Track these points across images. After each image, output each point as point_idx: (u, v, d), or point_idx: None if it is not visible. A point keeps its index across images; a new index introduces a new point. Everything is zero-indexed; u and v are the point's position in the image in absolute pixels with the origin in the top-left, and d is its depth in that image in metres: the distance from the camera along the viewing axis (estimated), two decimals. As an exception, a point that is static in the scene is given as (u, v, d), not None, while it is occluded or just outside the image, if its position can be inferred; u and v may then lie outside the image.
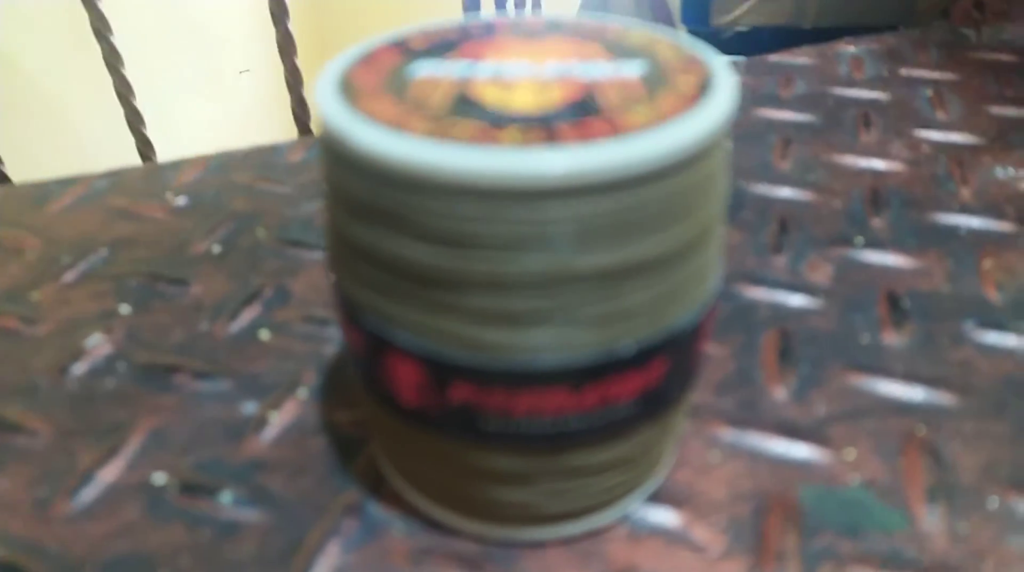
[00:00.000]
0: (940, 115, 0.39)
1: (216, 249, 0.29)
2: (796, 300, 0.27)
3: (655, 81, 0.15)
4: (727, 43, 0.58)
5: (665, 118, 0.14)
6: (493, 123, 0.14)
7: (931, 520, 0.19)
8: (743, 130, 0.38)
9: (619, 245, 0.14)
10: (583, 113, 0.14)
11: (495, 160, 0.13)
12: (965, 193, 0.33)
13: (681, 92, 0.15)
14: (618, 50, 0.17)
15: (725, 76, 0.16)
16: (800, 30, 0.56)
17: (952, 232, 0.30)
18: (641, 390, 0.16)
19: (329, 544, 0.19)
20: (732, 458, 0.21)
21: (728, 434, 0.21)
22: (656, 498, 0.19)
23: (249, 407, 0.22)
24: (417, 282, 0.15)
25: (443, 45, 0.17)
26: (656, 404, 0.17)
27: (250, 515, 0.19)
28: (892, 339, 0.25)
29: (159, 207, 0.32)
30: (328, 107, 0.15)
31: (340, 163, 0.15)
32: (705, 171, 0.15)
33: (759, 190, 0.33)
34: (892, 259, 0.29)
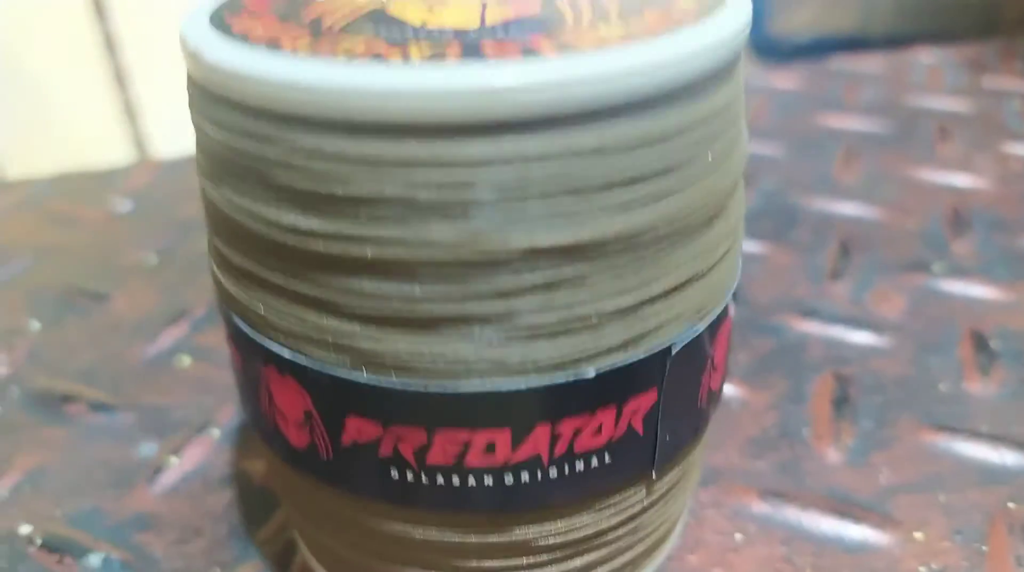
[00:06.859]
0: (1036, 127, 0.35)
1: (151, 260, 0.26)
2: (858, 337, 0.22)
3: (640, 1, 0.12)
4: (784, 56, 0.54)
5: (649, 33, 0.10)
6: (394, 40, 0.11)
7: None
8: (798, 138, 0.34)
9: (575, 215, 0.10)
10: (524, 29, 0.11)
11: (378, 79, 0.09)
12: (1073, 215, 0.28)
13: (673, 10, 0.11)
14: None
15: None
16: (869, 41, 0.52)
17: (1057, 261, 0.26)
18: (613, 438, 0.12)
19: (209, 633, 0.15)
20: (762, 539, 0.16)
21: (760, 508, 0.17)
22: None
23: (147, 448, 0.19)
24: (286, 261, 0.11)
25: None
26: (638, 458, 0.12)
27: (119, 588, 0.16)
28: (977, 387, 0.20)
29: (100, 212, 0.30)
30: (189, 23, 0.12)
31: (197, 97, 0.12)
32: (710, 108, 0.11)
33: (816, 205, 0.29)
34: (978, 290, 0.24)
